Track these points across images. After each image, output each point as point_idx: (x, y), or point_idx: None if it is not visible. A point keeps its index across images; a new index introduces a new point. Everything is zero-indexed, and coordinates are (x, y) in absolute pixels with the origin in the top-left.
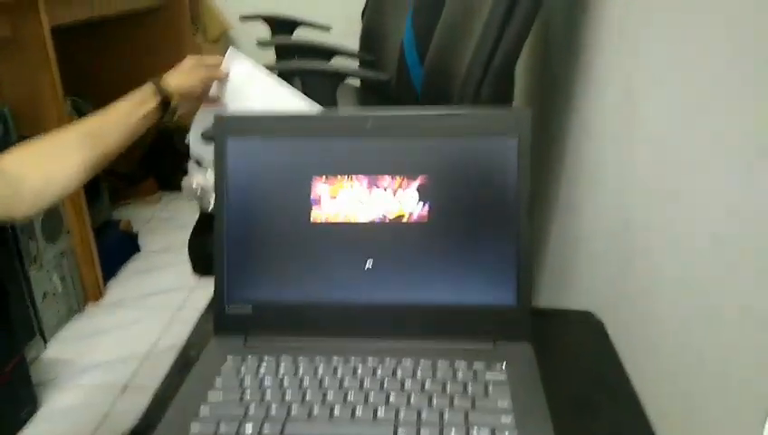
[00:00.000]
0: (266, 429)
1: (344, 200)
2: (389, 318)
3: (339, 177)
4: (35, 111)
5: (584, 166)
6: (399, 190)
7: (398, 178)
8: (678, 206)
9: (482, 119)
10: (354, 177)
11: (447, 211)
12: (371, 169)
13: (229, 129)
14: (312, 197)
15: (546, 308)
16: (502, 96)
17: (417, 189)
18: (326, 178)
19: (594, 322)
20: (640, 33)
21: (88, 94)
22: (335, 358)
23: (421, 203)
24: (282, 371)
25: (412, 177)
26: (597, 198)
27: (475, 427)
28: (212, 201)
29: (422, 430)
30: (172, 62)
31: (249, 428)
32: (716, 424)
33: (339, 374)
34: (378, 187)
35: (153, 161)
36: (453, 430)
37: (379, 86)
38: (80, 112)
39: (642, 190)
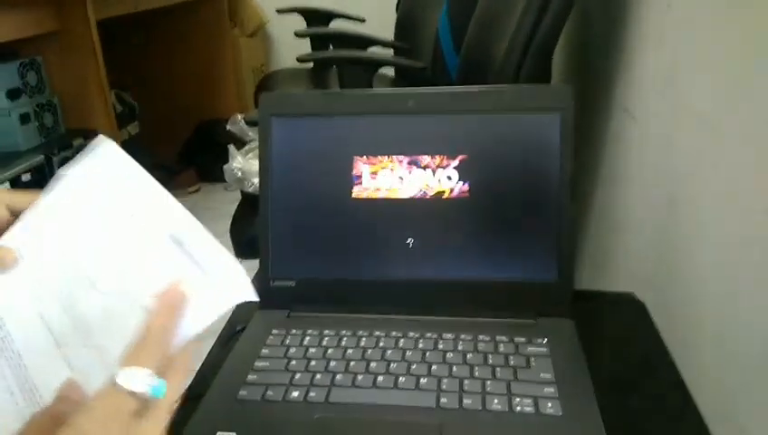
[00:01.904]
0: (312, 394)
1: (385, 178)
2: (431, 294)
3: (379, 157)
4: (83, 103)
5: (625, 144)
6: (440, 169)
7: (438, 157)
8: (724, 180)
9: (523, 94)
10: (395, 156)
11: (489, 187)
12: (412, 148)
13: (274, 108)
14: (353, 173)
15: (585, 290)
16: (540, 79)
17: (458, 167)
18: (367, 157)
19: (635, 303)
20: (687, 6)
21: (130, 87)
22: (377, 332)
23: (462, 181)
24: (325, 342)
25: (453, 155)
26: (638, 176)
27: (518, 397)
28: (255, 182)
29: (464, 399)
30: (210, 55)
31: (296, 393)
32: (764, 406)
33: (381, 346)
34: (418, 165)
35: (193, 152)
36: (495, 399)
37: (414, 74)
38: (123, 104)
39: (686, 167)
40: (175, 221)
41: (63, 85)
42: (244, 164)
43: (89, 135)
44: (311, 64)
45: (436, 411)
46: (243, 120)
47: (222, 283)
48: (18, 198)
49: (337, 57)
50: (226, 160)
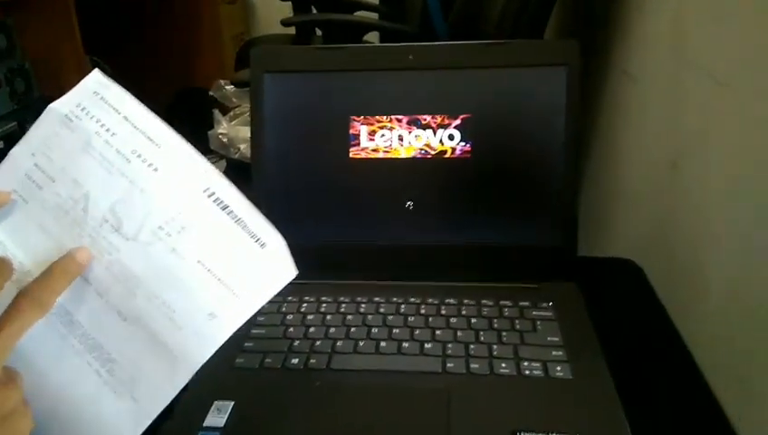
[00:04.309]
0: (313, 361)
1: (384, 137)
2: (431, 259)
3: (378, 116)
4: (57, 69)
5: (624, 107)
6: (441, 128)
7: (439, 115)
8: (737, 138)
9: (528, 49)
10: (393, 116)
11: (492, 147)
12: (412, 106)
13: (267, 63)
14: (350, 133)
15: (582, 256)
16: (538, 36)
17: (461, 126)
18: (365, 117)
19: (634, 269)
20: None
21: (106, 54)
22: (376, 298)
23: (464, 141)
24: (323, 309)
25: (455, 114)
26: (638, 140)
27: (526, 361)
28: (242, 148)
29: (471, 364)
30: (189, 22)
31: (295, 361)
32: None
33: (382, 312)
34: (418, 125)
35: (172, 121)
36: (503, 363)
37: (401, 40)
38: (99, 70)
39: (693, 127)
40: (206, 177)
41: (36, 50)
42: (230, 130)
43: None
44: (293, 31)
45: (442, 376)
46: (226, 86)
47: (272, 258)
48: None
49: (324, 19)
50: (206, 130)
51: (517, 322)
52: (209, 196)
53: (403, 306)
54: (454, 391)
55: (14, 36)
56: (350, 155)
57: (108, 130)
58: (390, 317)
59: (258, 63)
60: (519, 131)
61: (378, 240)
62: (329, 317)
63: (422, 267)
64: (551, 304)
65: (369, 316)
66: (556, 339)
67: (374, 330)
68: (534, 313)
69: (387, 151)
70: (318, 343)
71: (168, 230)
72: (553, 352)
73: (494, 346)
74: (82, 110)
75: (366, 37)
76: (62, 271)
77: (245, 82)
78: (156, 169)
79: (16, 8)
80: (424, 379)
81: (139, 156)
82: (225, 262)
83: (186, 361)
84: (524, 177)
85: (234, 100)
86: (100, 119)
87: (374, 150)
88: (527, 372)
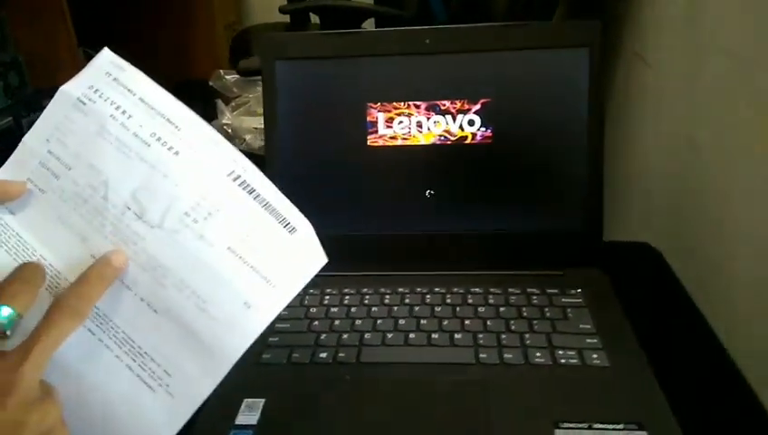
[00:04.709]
0: (342, 355)
1: (402, 124)
2: (453, 247)
3: (395, 103)
4: (50, 61)
5: (637, 88)
6: (461, 114)
7: (458, 100)
8: (755, 115)
9: (549, 30)
10: (411, 102)
11: (513, 132)
12: (430, 92)
13: (277, 50)
14: (367, 120)
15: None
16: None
17: (481, 111)
18: (382, 104)
19: (653, 253)
20: None
21: (100, 46)
22: (400, 289)
23: (484, 126)
24: (347, 301)
25: (474, 98)
26: (653, 121)
27: (561, 350)
28: (247, 139)
29: (505, 354)
30: (182, 13)
31: (324, 355)
32: None
33: (407, 303)
34: (437, 111)
35: None
36: (537, 353)
37: (398, 25)
38: None
39: (711, 107)
40: (230, 160)
41: (29, 43)
42: (234, 120)
43: None
44: (287, 19)
45: (476, 368)
46: (226, 75)
47: (302, 244)
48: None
49: (319, 5)
50: (209, 122)
51: (547, 310)
52: (234, 179)
53: (428, 297)
54: (490, 382)
55: (6, 29)
56: (368, 143)
57: (123, 112)
58: (417, 308)
59: (268, 51)
60: (541, 115)
61: (398, 230)
62: (353, 310)
63: (444, 257)
64: (579, 290)
65: (395, 308)
66: (588, 326)
67: (401, 321)
68: (563, 300)
69: (405, 138)
70: (345, 336)
71: (194, 216)
72: (587, 340)
73: (526, 335)
74: (95, 92)
75: (364, 26)
76: (99, 277)
77: (249, 71)
78: (177, 153)
79: (8, 1)
80: (457, 370)
81: (159, 139)
82: (256, 249)
83: (222, 353)
84: (547, 161)
85: (234, 90)
86: (114, 101)
87: (392, 138)
88: (563, 361)
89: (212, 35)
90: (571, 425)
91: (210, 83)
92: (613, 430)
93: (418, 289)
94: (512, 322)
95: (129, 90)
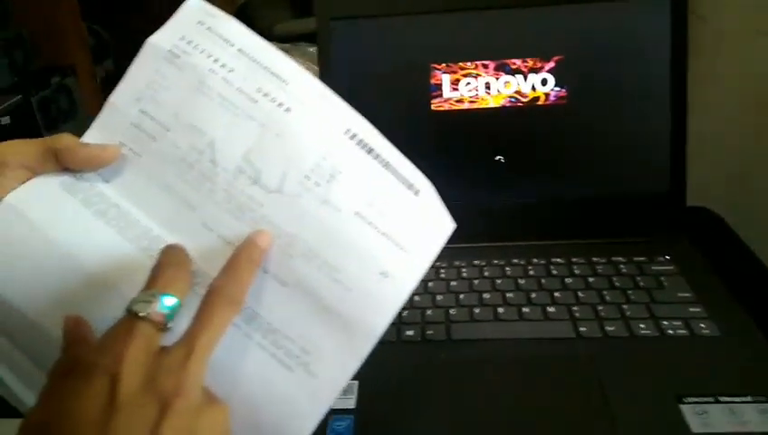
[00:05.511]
0: (430, 332)
1: (469, 85)
2: (527, 217)
3: (461, 63)
4: (55, 37)
5: (694, 49)
6: (532, 73)
7: (530, 59)
8: None
9: None
10: (479, 62)
11: (589, 91)
12: (499, 51)
13: (333, 9)
14: (431, 82)
15: None
16: None
17: (554, 70)
18: (447, 65)
19: (715, 217)
20: None
21: (105, 23)
22: (476, 261)
23: (558, 85)
24: None
25: (547, 56)
26: (714, 83)
27: (665, 320)
28: None
29: (606, 327)
30: None
31: (411, 332)
32: None
33: (486, 275)
34: (507, 70)
35: None
36: (641, 324)
37: None
38: (97, 38)
39: None
40: (345, 116)
41: (34, 20)
42: None
43: (67, 72)
44: None
45: (577, 342)
46: None
47: (428, 207)
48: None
49: None
50: None
51: (639, 279)
52: (351, 138)
53: (508, 269)
54: (598, 356)
55: (9, 5)
56: (432, 107)
57: (223, 65)
58: (498, 281)
59: (323, 9)
60: (618, 72)
61: (466, 200)
62: (430, 284)
63: (517, 227)
64: (667, 257)
65: (475, 281)
66: (688, 295)
67: (485, 295)
68: (654, 268)
69: (473, 102)
70: (429, 311)
71: (315, 179)
72: (690, 309)
73: (625, 306)
74: (188, 43)
75: None
76: (248, 260)
77: (289, 37)
78: (288, 110)
79: None
80: (557, 345)
81: (266, 95)
82: (384, 213)
83: (363, 326)
84: (627, 121)
85: None
86: (211, 53)
87: (458, 101)
88: (670, 332)
89: (219, 5)
90: (697, 399)
91: None
92: (741, 402)
93: (495, 261)
94: (605, 292)
95: (226, 40)
